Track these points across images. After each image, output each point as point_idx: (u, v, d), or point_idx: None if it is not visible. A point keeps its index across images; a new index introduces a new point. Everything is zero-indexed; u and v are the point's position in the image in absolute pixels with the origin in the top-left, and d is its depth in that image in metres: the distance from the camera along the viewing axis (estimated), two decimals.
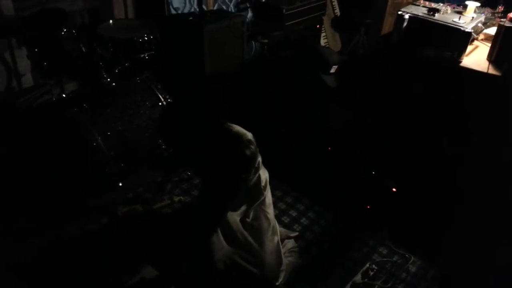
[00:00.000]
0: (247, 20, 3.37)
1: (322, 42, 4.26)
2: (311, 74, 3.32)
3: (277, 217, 2.42)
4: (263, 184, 2.09)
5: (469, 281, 2.16)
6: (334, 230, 2.40)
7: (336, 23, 4.36)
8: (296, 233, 2.33)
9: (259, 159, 2.02)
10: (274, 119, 3.11)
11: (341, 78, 3.35)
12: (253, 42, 3.86)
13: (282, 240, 2.24)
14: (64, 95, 2.20)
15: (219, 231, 1.96)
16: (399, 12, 2.47)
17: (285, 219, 2.43)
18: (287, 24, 3.51)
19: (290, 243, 2.25)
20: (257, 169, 2.01)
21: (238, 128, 1.94)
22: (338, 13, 4.32)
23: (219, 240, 1.95)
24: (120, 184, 2.30)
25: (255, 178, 2.03)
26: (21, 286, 1.82)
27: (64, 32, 2.13)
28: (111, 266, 2.00)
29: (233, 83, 3.08)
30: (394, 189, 2.60)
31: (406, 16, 2.44)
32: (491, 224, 2.28)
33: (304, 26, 3.75)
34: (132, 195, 2.43)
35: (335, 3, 4.26)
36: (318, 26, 4.01)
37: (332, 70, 3.31)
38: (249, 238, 1.97)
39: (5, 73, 2.42)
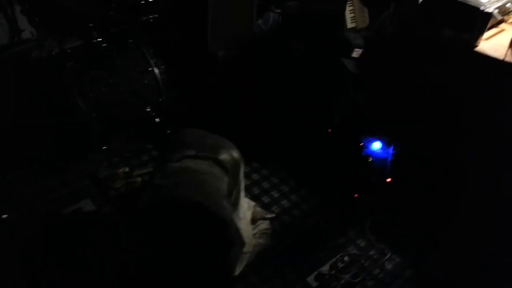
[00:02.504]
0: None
1: (348, 16, 4.00)
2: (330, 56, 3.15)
3: (257, 196, 2.39)
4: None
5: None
6: (315, 217, 2.32)
7: None
8: (273, 215, 2.28)
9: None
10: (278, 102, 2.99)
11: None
12: (270, 13, 3.67)
13: (256, 220, 2.22)
14: (53, 52, 2.21)
15: None
16: None
17: (265, 199, 2.38)
18: None
19: (263, 224, 2.20)
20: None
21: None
22: None
23: None
24: (104, 148, 2.32)
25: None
26: None
27: None
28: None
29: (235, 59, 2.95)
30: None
31: None
32: (486, 224, 2.12)
33: None
34: (118, 159, 2.46)
35: None
36: None
37: (354, 54, 3.11)
38: None
39: (7, 27, 2.46)
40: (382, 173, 2.55)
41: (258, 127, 2.78)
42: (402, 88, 2.56)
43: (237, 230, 1.80)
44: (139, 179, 2.34)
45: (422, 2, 2.23)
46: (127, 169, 2.40)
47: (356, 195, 2.43)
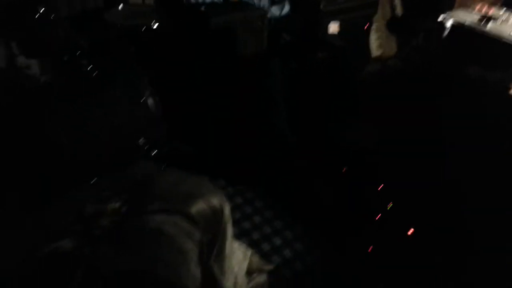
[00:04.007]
0: (271, 15, 3.02)
1: (374, 44, 3.77)
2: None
3: (257, 242, 2.12)
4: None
5: None
6: (319, 273, 2.02)
7: (395, 25, 3.85)
8: (271, 267, 1.99)
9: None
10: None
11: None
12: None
13: (252, 272, 1.94)
14: (38, 80, 2.09)
15: None
16: (441, 18, 1.99)
17: (265, 247, 2.11)
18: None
19: (260, 278, 1.92)
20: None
21: None
22: (399, 14, 3.79)
23: None
24: (92, 182, 2.14)
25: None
26: None
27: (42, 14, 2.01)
28: None
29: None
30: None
31: (449, 24, 1.96)
32: None
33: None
34: (108, 194, 2.27)
35: (397, 2, 3.74)
36: (366, 27, 3.55)
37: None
38: None
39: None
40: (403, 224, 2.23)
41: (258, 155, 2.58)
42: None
43: None
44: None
45: (447, 35, 1.97)
46: (116, 205, 2.21)
47: (370, 248, 2.12)
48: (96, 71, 2.18)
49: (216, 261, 1.61)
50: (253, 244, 2.09)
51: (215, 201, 1.63)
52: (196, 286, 1.40)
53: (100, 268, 1.34)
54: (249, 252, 2.01)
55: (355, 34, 3.47)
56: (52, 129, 1.90)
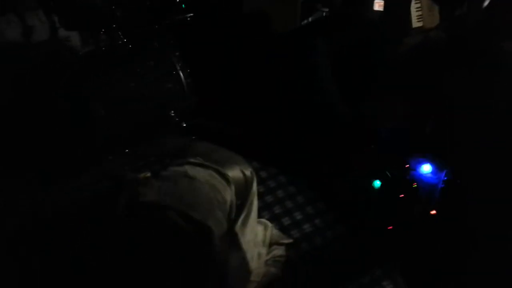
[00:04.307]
0: None
1: (414, 14, 3.57)
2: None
3: (278, 216, 2.19)
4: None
5: None
6: (338, 247, 2.07)
7: None
8: (290, 240, 2.06)
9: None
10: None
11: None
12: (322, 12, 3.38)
13: (271, 244, 2.02)
14: (72, 53, 2.19)
15: None
16: None
17: (286, 221, 2.17)
18: None
19: (278, 250, 2.00)
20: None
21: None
22: None
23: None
24: (126, 151, 2.27)
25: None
26: None
27: None
28: None
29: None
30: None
31: None
32: None
33: None
34: (143, 163, 2.40)
35: None
36: None
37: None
38: None
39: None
40: (427, 203, 2.22)
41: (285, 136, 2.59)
42: (467, 102, 2.21)
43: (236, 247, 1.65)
44: None
45: (486, 6, 1.85)
46: (148, 174, 2.34)
47: (390, 227, 2.13)
48: (131, 44, 2.26)
49: (241, 229, 1.70)
50: (274, 218, 2.16)
51: (247, 171, 1.72)
52: (220, 232, 1.52)
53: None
54: (270, 225, 2.09)
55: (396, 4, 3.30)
56: (90, 99, 2.02)
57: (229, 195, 1.65)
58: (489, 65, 2.06)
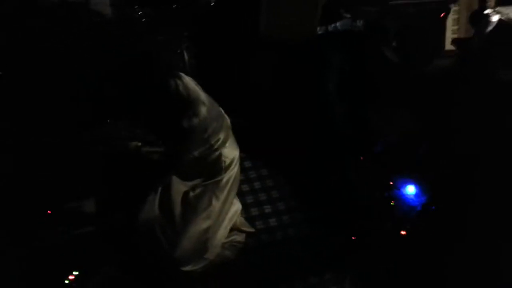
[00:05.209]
0: None
1: (450, 26, 3.43)
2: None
3: (248, 206, 2.25)
4: (225, 164, 1.94)
5: None
6: (296, 246, 2.09)
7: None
8: (252, 230, 2.12)
9: (221, 136, 1.89)
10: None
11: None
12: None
13: (232, 229, 2.09)
14: None
15: (157, 194, 1.92)
16: (487, 11, 1.83)
17: (254, 211, 2.22)
18: (391, 1, 2.91)
19: (238, 237, 2.06)
20: (212, 145, 1.89)
21: (193, 87, 1.85)
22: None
23: (153, 203, 1.91)
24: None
25: (214, 155, 1.91)
26: None
27: None
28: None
29: (292, 53, 2.78)
30: None
31: (494, 18, 1.79)
32: None
33: (418, 10, 3.05)
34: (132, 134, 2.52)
35: None
36: (442, 15, 3.22)
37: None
38: (178, 213, 1.89)
39: None
40: (400, 223, 2.20)
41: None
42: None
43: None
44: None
45: (490, 31, 1.80)
46: (139, 144, 2.47)
47: (354, 237, 2.14)
48: (144, 18, 2.38)
49: (217, 189, 1.91)
50: (244, 206, 2.20)
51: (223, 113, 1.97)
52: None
53: None
54: (239, 211, 2.16)
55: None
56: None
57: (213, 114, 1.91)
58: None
